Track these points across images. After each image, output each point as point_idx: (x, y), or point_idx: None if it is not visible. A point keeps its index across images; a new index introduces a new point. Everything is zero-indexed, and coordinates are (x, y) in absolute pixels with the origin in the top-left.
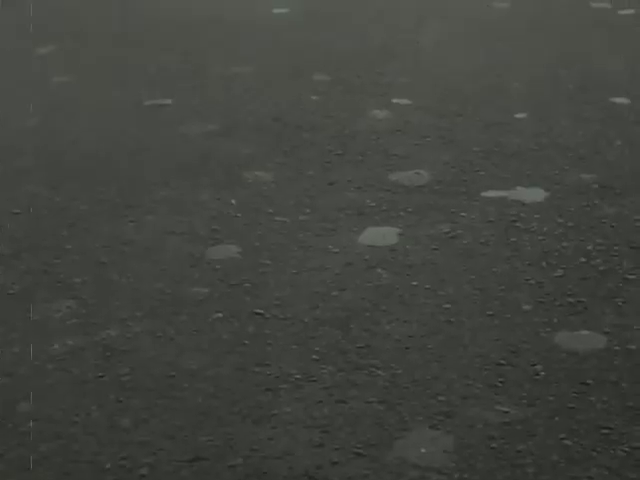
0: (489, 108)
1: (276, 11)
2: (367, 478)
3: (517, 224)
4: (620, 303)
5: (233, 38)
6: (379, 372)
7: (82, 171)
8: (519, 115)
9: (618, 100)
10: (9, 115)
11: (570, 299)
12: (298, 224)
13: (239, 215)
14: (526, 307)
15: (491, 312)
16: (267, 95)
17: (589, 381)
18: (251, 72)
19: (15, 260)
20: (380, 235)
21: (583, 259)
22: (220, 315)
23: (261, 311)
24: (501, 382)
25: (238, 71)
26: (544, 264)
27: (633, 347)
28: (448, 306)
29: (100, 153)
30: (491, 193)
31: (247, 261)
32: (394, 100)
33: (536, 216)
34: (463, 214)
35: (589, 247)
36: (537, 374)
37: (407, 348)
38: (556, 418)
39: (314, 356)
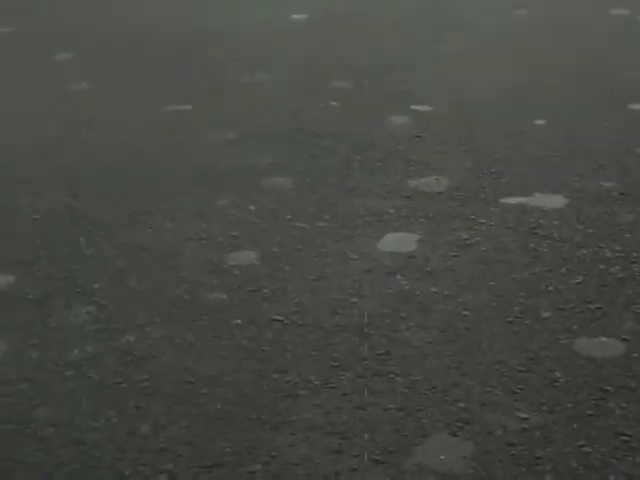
0: (508, 115)
1: (295, 17)
2: None
3: (536, 231)
4: (639, 310)
5: (251, 45)
6: (398, 379)
7: (101, 178)
8: (538, 122)
9: (637, 107)
10: (28, 122)
11: (589, 306)
12: (317, 230)
13: (258, 221)
14: (545, 314)
15: (510, 319)
16: (286, 102)
17: (608, 388)
18: (270, 79)
19: (35, 266)
20: (399, 242)
21: (602, 266)
22: (239, 321)
23: (280, 317)
24: (520, 389)
25: (257, 78)
26: (563, 271)
27: None
28: (467, 313)
29: (119, 160)
30: (510, 200)
31: (266, 267)
32: (413, 107)
33: (555, 223)
34: (482, 221)
35: (608, 254)
36: (556, 381)
37: (426, 355)
38: (575, 425)
39: (333, 362)
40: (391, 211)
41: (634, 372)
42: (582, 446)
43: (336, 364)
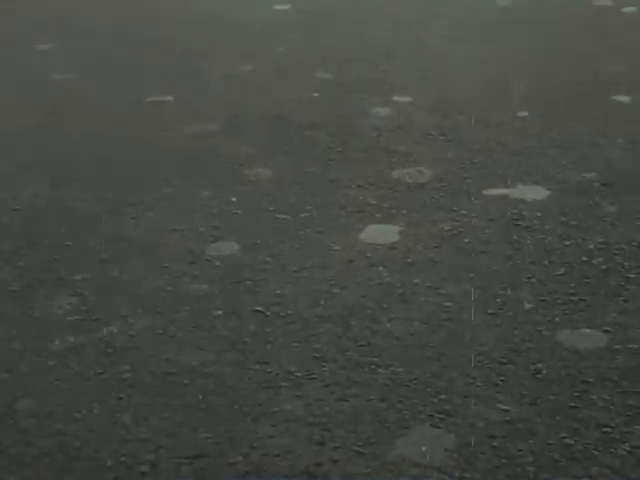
0: (491, 106)
1: (277, 8)
2: (367, 476)
3: (519, 222)
4: (621, 302)
5: (234, 35)
6: (380, 370)
7: (82, 168)
8: (521, 114)
9: (619, 98)
10: (9, 112)
11: (572, 297)
12: (299, 221)
13: (239, 212)
14: (528, 305)
15: (492, 310)
16: (268, 93)
17: (590, 380)
18: (252, 70)
19: (16, 257)
20: (382, 233)
21: (585, 257)
22: (220, 312)
23: (261, 309)
24: (502, 380)
25: (239, 69)
26: (546, 262)
27: (634, 346)
28: (449, 304)
29: (100, 150)
30: (493, 191)
31: (247, 258)
32: (395, 98)
33: (538, 214)
34: (464, 212)
35: (590, 246)
36: (538, 373)
37: (408, 346)
38: (557, 417)
39: (315, 354)
40: (373, 202)
41: (617, 364)
42: (564, 438)
43: (318, 355)
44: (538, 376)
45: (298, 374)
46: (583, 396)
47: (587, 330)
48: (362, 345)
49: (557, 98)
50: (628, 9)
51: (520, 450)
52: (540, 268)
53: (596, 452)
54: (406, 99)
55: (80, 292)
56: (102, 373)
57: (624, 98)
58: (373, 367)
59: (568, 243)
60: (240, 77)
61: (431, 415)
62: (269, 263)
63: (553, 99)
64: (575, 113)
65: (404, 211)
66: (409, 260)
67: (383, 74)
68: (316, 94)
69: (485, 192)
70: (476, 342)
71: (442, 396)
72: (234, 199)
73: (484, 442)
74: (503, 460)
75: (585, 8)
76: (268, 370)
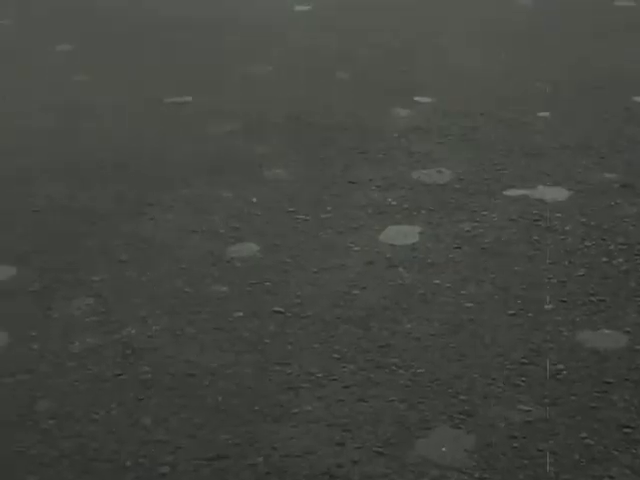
0: (511, 107)
1: (298, 8)
2: (388, 477)
3: (539, 223)
4: None
5: (254, 36)
6: (400, 371)
7: (102, 169)
8: (541, 114)
9: None
10: (29, 114)
11: (592, 298)
12: (319, 222)
13: (260, 213)
14: (548, 306)
15: (513, 311)
16: (288, 93)
17: (611, 380)
18: (272, 70)
19: (35, 258)
20: (402, 234)
21: (605, 258)
22: (240, 314)
23: (282, 309)
24: (523, 381)
25: (259, 69)
26: (566, 263)
27: None
28: (470, 305)
29: (119, 151)
30: (513, 192)
31: (268, 259)
32: (416, 98)
33: (558, 215)
34: (485, 213)
35: (611, 247)
36: (559, 373)
37: (428, 347)
38: (577, 417)
39: (335, 355)
40: (393, 203)
41: (637, 364)
42: (584, 438)
43: (338, 356)
44: (558, 377)
45: (318, 375)
46: (603, 397)
47: (607, 331)
48: (382, 346)
49: (578, 99)
50: None
51: (540, 450)
52: (560, 269)
53: (616, 453)
54: (426, 100)
55: (99, 293)
56: (121, 374)
57: None
58: (393, 368)
59: (588, 244)
60: (259, 78)
61: (451, 416)
62: (289, 264)
63: (574, 99)
64: (596, 113)
65: (424, 212)
66: (429, 261)
67: (403, 75)
68: (336, 95)
69: (505, 193)
70: (496, 343)
71: (462, 397)
72: (254, 200)
73: (504, 443)
74: (524, 461)
75: (606, 9)
76: (288, 371)
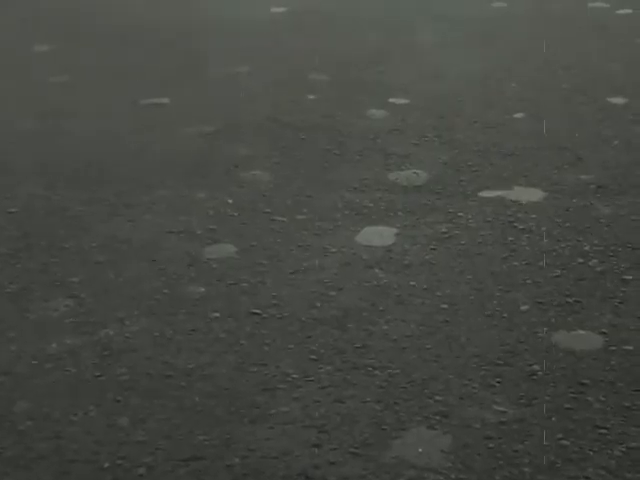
0: (487, 108)
1: (274, 10)
2: (364, 478)
3: (515, 224)
4: (617, 303)
5: (230, 38)
6: (376, 372)
7: (79, 171)
8: (517, 115)
9: (615, 100)
10: (5, 115)
11: (567, 299)
12: (295, 224)
13: (236, 214)
14: (523, 307)
15: (488, 312)
16: (264, 95)
17: (586, 381)
18: (248, 71)
19: (12, 259)
20: (378, 235)
21: (580, 259)
22: (217, 314)
23: (258, 311)
24: (498, 382)
25: (235, 71)
26: (541, 264)
27: (630, 347)
28: (445, 306)
29: (97, 152)
30: (489, 193)
31: (244, 260)
32: (392, 100)
33: (533, 216)
34: (461, 214)
35: (586, 247)
36: (534, 374)
37: (404, 348)
38: (553, 418)
39: (311, 356)
40: (370, 204)
41: (612, 365)
42: (560, 439)
43: (314, 357)
44: (534, 377)
45: (295, 376)
46: (579, 397)
47: (583, 332)
48: (359, 347)
49: (553, 100)
50: (623, 11)
51: (516, 451)
52: (536, 270)
53: (592, 453)
54: (402, 101)
55: (77, 294)
56: (99, 376)
57: (619, 100)
58: (370, 369)
59: (564, 245)
60: (237, 79)
61: (427, 417)
62: (266, 265)
63: (549, 101)
64: (571, 115)
65: (401, 213)
66: (405, 262)
67: (379, 76)
68: (312, 96)
69: (481, 194)
70: (472, 344)
71: (438, 397)
72: (230, 201)
73: (480, 443)
74: (499, 461)
75: (581, 10)
76: (265, 372)
